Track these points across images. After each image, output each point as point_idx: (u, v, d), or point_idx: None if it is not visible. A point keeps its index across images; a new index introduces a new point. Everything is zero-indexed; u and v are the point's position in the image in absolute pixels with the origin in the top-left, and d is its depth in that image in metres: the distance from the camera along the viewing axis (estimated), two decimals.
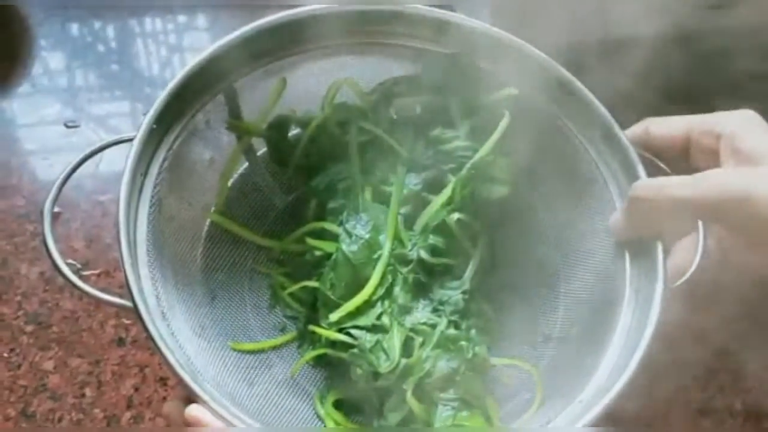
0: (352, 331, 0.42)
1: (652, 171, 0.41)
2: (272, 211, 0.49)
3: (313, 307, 0.45)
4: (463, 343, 0.42)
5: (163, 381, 0.50)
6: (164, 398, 0.49)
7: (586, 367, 0.39)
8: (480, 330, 0.45)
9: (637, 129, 0.42)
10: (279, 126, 0.46)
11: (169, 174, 0.40)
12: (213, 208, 0.46)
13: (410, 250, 0.45)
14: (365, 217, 0.45)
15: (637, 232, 0.40)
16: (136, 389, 0.50)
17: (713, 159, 0.38)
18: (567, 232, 0.46)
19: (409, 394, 0.40)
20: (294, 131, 0.48)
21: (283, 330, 0.47)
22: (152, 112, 0.38)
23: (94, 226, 0.56)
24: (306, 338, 0.46)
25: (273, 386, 0.43)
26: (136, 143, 0.37)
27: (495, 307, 0.47)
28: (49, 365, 0.50)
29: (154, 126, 0.38)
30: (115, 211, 0.56)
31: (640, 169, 0.40)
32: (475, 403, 0.41)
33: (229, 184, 0.47)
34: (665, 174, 0.41)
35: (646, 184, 0.38)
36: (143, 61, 0.67)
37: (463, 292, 0.45)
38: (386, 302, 0.43)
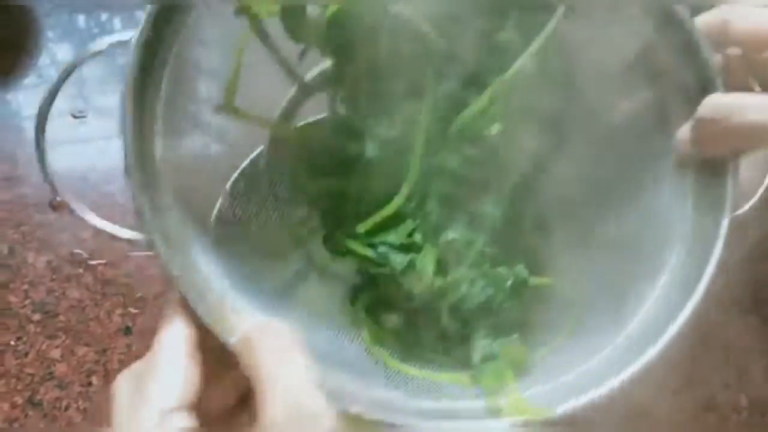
0: (381, 249, 0.39)
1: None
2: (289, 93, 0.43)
3: (342, 206, 0.42)
4: (500, 268, 0.40)
5: None
6: None
7: (631, 300, 0.36)
8: (520, 250, 0.42)
9: (712, 18, 0.33)
10: (294, 6, 0.40)
11: (176, 74, 0.36)
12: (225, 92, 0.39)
13: (446, 159, 0.41)
14: (395, 118, 0.40)
15: (703, 152, 0.34)
16: None
17: None
18: (623, 146, 0.40)
19: (444, 317, 0.39)
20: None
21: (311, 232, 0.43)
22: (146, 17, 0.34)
23: (101, 216, 0.56)
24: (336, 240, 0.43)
25: (303, 287, 0.41)
26: (133, 49, 0.33)
27: (538, 225, 0.43)
28: (56, 354, 0.51)
29: (151, 34, 0.34)
30: (123, 201, 0.57)
31: (714, 77, 0.34)
32: (513, 330, 0.40)
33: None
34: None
35: (718, 103, 0.32)
36: None
37: (504, 208, 0.41)
38: (418, 217, 0.40)
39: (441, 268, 0.40)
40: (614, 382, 0.33)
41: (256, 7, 0.38)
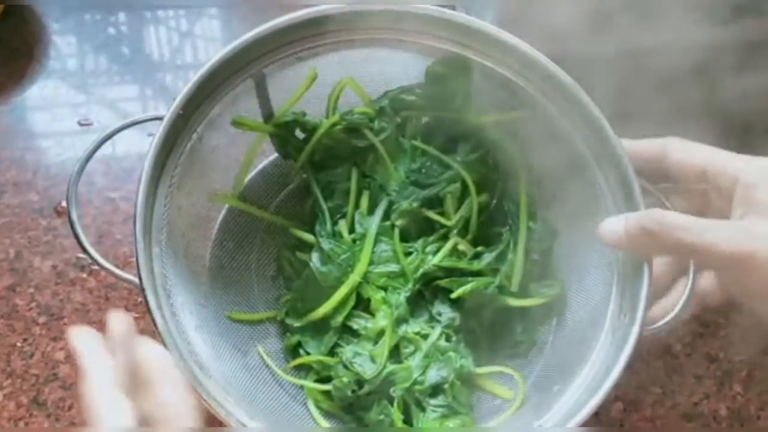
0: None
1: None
2: (287, 186, 0.51)
3: None
4: (451, 353, 0.43)
5: None
6: None
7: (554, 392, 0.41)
8: (468, 344, 0.46)
9: (654, 146, 0.39)
10: (285, 127, 0.47)
11: (191, 155, 0.42)
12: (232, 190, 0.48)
13: (414, 265, 0.46)
14: (339, 241, 0.47)
15: (630, 251, 0.39)
16: None
17: (727, 200, 0.37)
18: (565, 256, 0.47)
19: (395, 406, 0.43)
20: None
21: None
22: (180, 96, 0.39)
23: (105, 222, 0.57)
24: None
25: (266, 357, 0.46)
26: (164, 124, 0.39)
27: (487, 325, 0.48)
28: (60, 355, 0.53)
29: (181, 112, 0.39)
30: (125, 207, 0.58)
31: (635, 187, 0.40)
32: (462, 410, 0.43)
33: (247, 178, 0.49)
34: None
35: (657, 219, 0.36)
36: (156, 54, 0.68)
37: (460, 311, 0.46)
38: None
39: (395, 355, 0.44)
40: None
41: (249, 124, 0.45)
